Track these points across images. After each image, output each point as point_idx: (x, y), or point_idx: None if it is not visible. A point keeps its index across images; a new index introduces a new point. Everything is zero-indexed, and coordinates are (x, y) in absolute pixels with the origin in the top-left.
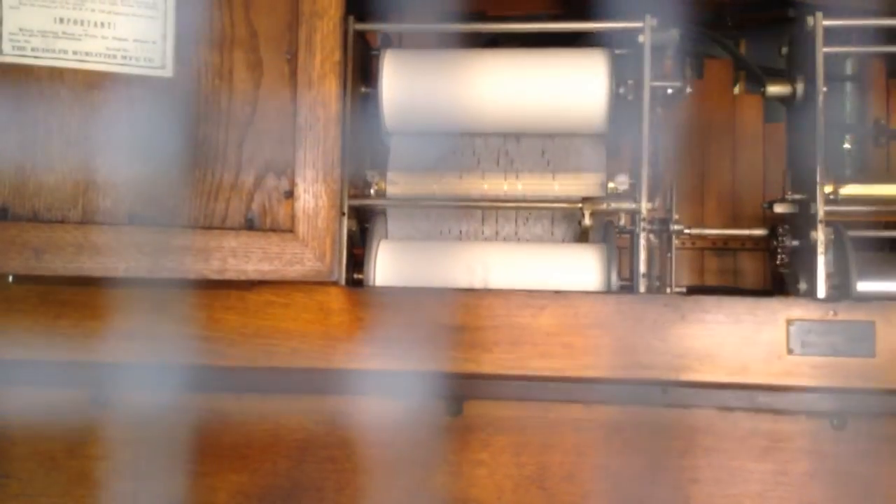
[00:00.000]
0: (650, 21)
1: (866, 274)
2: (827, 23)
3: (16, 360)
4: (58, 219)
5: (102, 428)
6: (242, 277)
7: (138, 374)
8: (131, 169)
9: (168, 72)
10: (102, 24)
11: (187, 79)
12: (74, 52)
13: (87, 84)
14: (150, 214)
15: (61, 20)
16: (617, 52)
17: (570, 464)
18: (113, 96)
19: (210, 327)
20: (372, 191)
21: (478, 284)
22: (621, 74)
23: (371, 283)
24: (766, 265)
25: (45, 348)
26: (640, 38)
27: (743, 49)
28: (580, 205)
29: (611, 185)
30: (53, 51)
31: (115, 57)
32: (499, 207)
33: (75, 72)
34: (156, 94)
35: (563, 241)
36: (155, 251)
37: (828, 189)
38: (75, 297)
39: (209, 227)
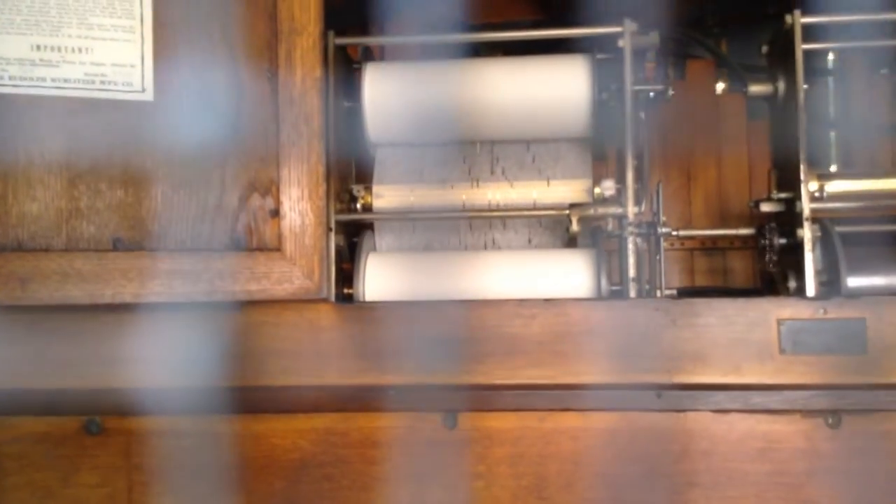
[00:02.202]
0: (630, 25)
1: (855, 270)
2: (805, 20)
3: (5, 390)
4: (42, 247)
5: (96, 455)
6: (231, 299)
7: (130, 400)
8: (114, 194)
9: (148, 95)
10: (80, 50)
11: (168, 101)
12: (53, 80)
13: (67, 111)
14: (134, 239)
15: (38, 47)
16: (598, 56)
17: (567, 473)
18: (93, 122)
19: (200, 349)
20: (358, 205)
21: (467, 294)
22: (604, 79)
23: (361, 298)
24: (755, 263)
25: (35, 377)
26: (621, 43)
27: (724, 48)
28: (567, 211)
29: (597, 190)
30: (32, 79)
31: (93, 82)
32: (485, 217)
33: (54, 99)
34: (137, 117)
35: (551, 247)
36: (141, 276)
37: (813, 186)
38: (63, 325)
39: (195, 250)
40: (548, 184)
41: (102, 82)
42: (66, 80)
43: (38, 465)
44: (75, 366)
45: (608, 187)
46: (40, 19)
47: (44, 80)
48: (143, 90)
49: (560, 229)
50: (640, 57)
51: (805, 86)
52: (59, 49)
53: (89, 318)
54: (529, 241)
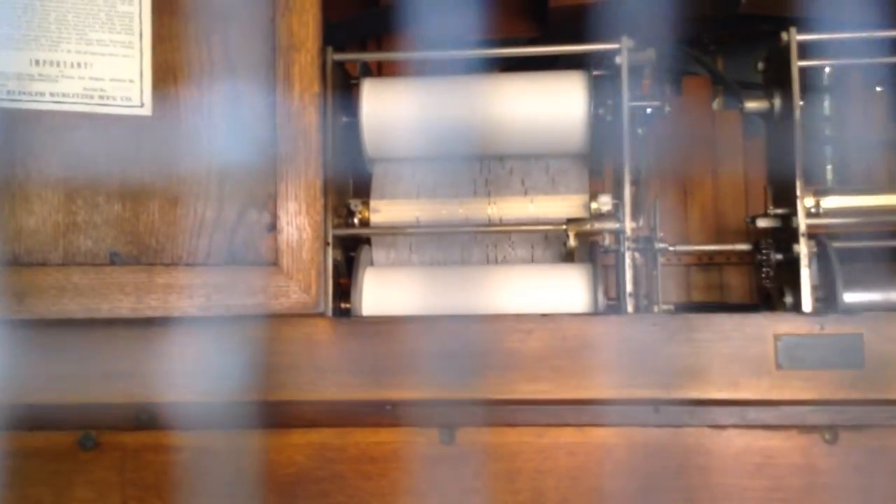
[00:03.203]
0: (627, 42)
1: (852, 285)
2: (801, 37)
3: None
4: (39, 261)
5: (90, 471)
6: (227, 313)
7: (124, 414)
8: (112, 208)
9: (146, 110)
10: (79, 65)
11: (166, 117)
12: (51, 94)
13: (65, 125)
14: (132, 253)
15: (37, 62)
16: (595, 73)
17: (564, 488)
18: (91, 136)
19: (195, 364)
20: (356, 220)
21: (464, 309)
22: (601, 95)
23: (358, 313)
24: (751, 279)
25: (29, 391)
26: (618, 60)
27: (720, 65)
28: (564, 226)
29: (594, 205)
30: (30, 93)
31: (92, 97)
32: (482, 232)
33: (53, 113)
34: (135, 132)
35: (549, 263)
36: (138, 290)
37: (809, 202)
38: (59, 339)
39: (192, 264)
40: (543, 199)
41: (101, 97)
42: (64, 95)
43: (32, 480)
44: (70, 380)
45: (605, 202)
46: (39, 34)
47: (42, 94)
48: (142, 105)
49: (557, 244)
50: (636, 73)
51: (801, 102)
52: (58, 64)
53: (85, 332)
54: (526, 256)
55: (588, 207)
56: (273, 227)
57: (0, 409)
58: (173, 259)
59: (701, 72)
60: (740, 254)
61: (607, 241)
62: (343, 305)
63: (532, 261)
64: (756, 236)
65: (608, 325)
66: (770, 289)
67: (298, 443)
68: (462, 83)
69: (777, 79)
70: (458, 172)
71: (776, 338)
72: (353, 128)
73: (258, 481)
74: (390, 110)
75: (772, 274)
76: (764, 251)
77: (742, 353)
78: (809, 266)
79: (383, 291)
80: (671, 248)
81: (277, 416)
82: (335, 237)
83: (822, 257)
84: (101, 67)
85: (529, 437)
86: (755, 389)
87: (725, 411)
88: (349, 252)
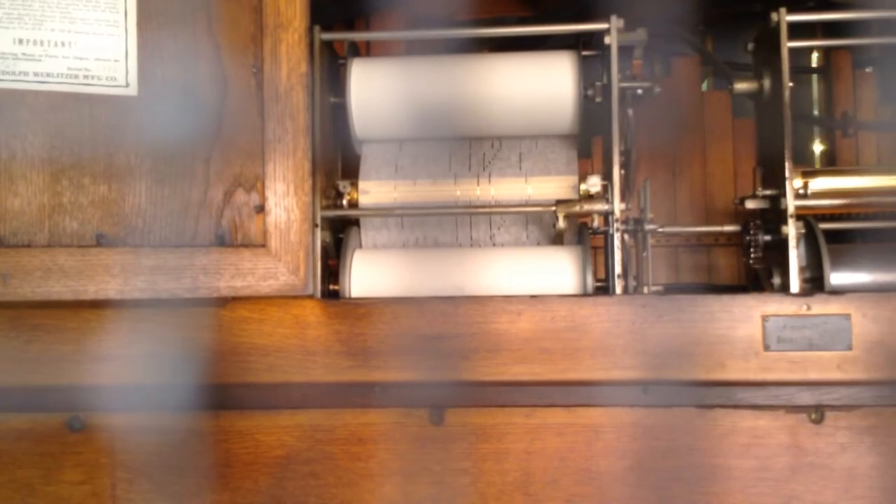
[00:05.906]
0: (616, 22)
1: (839, 266)
2: (791, 18)
3: None
4: (24, 243)
5: (79, 452)
6: (215, 295)
7: (113, 397)
8: (97, 189)
9: (132, 90)
10: (63, 44)
11: (152, 96)
12: (35, 74)
13: (50, 106)
14: (118, 235)
15: (20, 41)
16: (584, 53)
17: (553, 469)
18: (76, 117)
19: (184, 346)
20: (344, 201)
21: (453, 291)
22: (590, 76)
23: (347, 295)
24: (739, 260)
25: (17, 373)
26: (607, 40)
27: (710, 46)
28: (554, 208)
29: (583, 186)
30: (14, 73)
31: (77, 77)
32: (471, 213)
33: (37, 93)
34: (120, 112)
35: (538, 244)
36: (124, 272)
37: (798, 183)
38: (46, 321)
39: (179, 246)
40: (532, 180)
41: (86, 77)
42: (48, 75)
43: (20, 462)
44: (58, 362)
45: (594, 184)
46: (23, 13)
47: (26, 74)
48: (128, 85)
49: (547, 226)
50: (626, 54)
51: (790, 83)
52: (42, 43)
53: (72, 314)
54: (516, 237)
55: (577, 189)
56: (261, 209)
57: None
58: (160, 240)
59: (690, 52)
60: (728, 235)
61: (596, 222)
62: (332, 287)
63: (521, 243)
64: (744, 217)
65: (597, 306)
66: (758, 270)
67: (287, 424)
68: (451, 63)
69: (767, 59)
70: (446, 153)
71: (764, 318)
72: (342, 108)
73: (248, 462)
74: (379, 91)
75: (760, 255)
76: (752, 232)
77: (730, 333)
78: (797, 247)
79: (372, 273)
80: (660, 230)
81: (266, 397)
82: (324, 219)
83: (809, 238)
84: (86, 46)
85: (518, 417)
86: (743, 370)
87: (713, 392)
88: (338, 233)
